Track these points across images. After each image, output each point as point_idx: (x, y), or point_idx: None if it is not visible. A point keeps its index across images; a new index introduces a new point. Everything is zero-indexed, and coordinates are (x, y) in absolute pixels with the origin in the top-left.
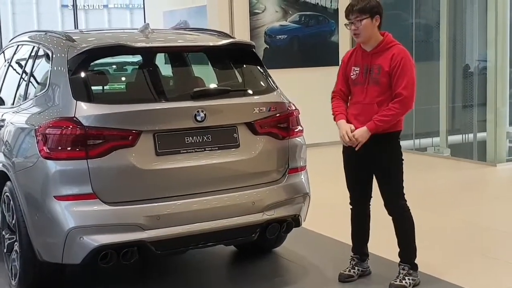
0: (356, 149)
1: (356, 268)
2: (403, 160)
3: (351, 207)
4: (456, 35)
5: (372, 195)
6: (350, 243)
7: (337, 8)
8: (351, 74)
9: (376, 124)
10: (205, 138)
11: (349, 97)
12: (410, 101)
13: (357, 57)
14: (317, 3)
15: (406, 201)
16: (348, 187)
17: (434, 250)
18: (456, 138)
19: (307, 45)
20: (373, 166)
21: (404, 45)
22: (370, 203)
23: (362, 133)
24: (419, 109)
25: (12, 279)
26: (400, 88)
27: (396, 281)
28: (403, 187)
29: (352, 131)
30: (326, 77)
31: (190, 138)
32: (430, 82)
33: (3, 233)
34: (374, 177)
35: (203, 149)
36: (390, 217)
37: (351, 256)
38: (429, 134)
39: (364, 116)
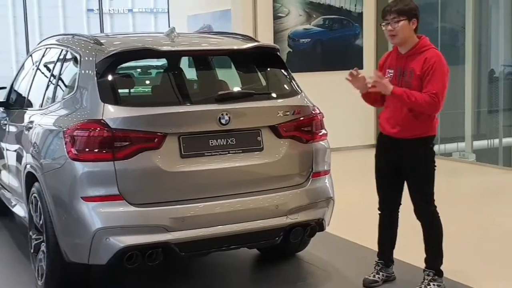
0: (369, 86)
1: (380, 273)
2: (435, 166)
3: (379, 212)
4: (481, 39)
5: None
6: (374, 248)
7: (362, 12)
8: (386, 76)
9: (401, 93)
10: (229, 141)
11: (381, 97)
12: (438, 105)
13: (392, 60)
14: (341, 7)
15: (436, 207)
16: (378, 191)
17: (459, 256)
18: (481, 144)
19: (330, 48)
20: (405, 170)
21: None
22: (399, 209)
23: (385, 83)
24: (444, 114)
25: (39, 279)
26: (432, 90)
27: (421, 287)
28: (433, 193)
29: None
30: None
31: (214, 141)
32: (455, 87)
33: (30, 233)
34: (405, 182)
35: (227, 152)
36: (417, 222)
37: (376, 261)
38: (454, 139)
39: (394, 119)
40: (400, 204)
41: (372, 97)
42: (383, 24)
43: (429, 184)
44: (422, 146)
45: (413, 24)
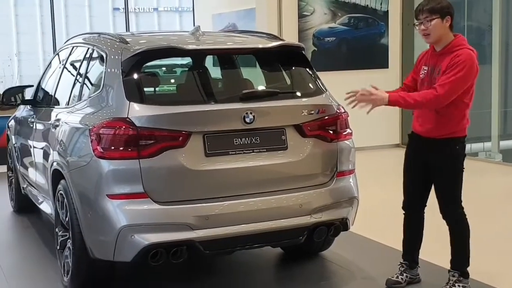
0: (367, 111)
1: (404, 274)
2: (463, 168)
3: (403, 211)
4: (508, 38)
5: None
6: (399, 248)
7: (387, 10)
8: (420, 73)
9: (396, 99)
10: (253, 139)
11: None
12: (439, 98)
13: (427, 57)
14: (367, 5)
15: (463, 208)
16: (404, 190)
17: (483, 256)
18: (508, 143)
19: (356, 47)
20: (432, 170)
21: None
22: (424, 210)
23: (379, 94)
24: (470, 113)
25: (65, 276)
26: (439, 82)
27: None
28: (460, 194)
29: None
30: (375, 80)
31: (239, 139)
32: (482, 86)
33: (57, 230)
34: (432, 184)
35: (251, 151)
36: (442, 223)
37: (400, 262)
38: (481, 139)
39: (423, 118)
40: (425, 205)
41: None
42: (416, 23)
43: (455, 185)
44: (449, 147)
45: (446, 22)
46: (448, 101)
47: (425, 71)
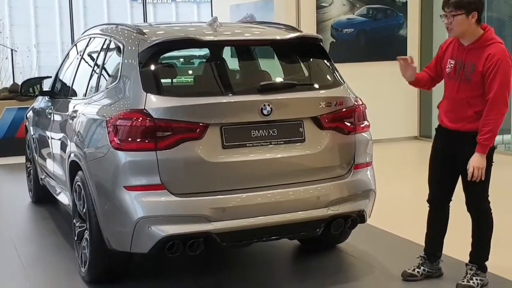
0: (482, 177)
1: (421, 268)
2: (493, 162)
3: (428, 205)
4: None
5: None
6: (416, 241)
7: (406, 1)
8: (447, 67)
9: (483, 144)
10: (271, 132)
11: (433, 83)
12: (503, 105)
13: (454, 50)
14: None
15: (489, 203)
16: (430, 184)
17: (502, 250)
18: None
19: (374, 39)
20: (461, 163)
21: None
22: (450, 205)
23: (478, 160)
24: None
25: (82, 267)
26: (492, 92)
27: (463, 281)
28: (487, 188)
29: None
30: (393, 72)
31: (256, 131)
32: None
33: (74, 221)
34: (459, 177)
35: (268, 143)
36: (465, 217)
37: (420, 255)
38: (500, 131)
39: (453, 113)
40: (451, 199)
41: (420, 82)
42: (442, 15)
43: (484, 180)
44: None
45: (472, 18)
46: (507, 103)
47: (452, 65)
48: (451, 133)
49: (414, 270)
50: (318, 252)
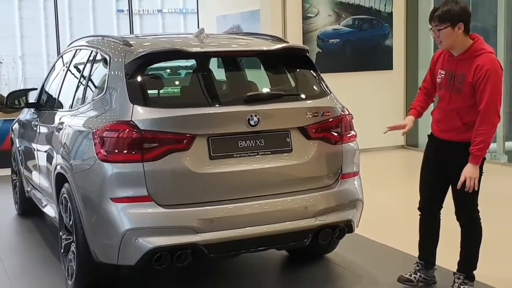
0: (476, 187)
1: (418, 274)
2: (483, 172)
3: (419, 212)
4: None
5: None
6: (404, 250)
7: (391, 12)
8: (438, 77)
9: (476, 155)
10: (258, 142)
11: (433, 95)
12: (494, 115)
13: (444, 60)
14: (371, 7)
15: (478, 212)
16: (421, 191)
17: (489, 259)
18: None
19: (360, 49)
20: (452, 172)
21: None
22: (441, 212)
23: (471, 170)
24: None
25: (69, 279)
26: (483, 104)
27: None
28: (477, 198)
29: (404, 129)
30: (379, 82)
31: (243, 142)
32: None
33: (61, 233)
34: (449, 185)
35: (256, 153)
36: (454, 226)
37: (416, 261)
38: None
39: (445, 124)
40: (442, 207)
41: (423, 110)
42: (429, 29)
43: (474, 189)
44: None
45: (459, 29)
46: (498, 113)
47: (442, 75)
48: (441, 143)
49: (411, 275)
50: (306, 262)
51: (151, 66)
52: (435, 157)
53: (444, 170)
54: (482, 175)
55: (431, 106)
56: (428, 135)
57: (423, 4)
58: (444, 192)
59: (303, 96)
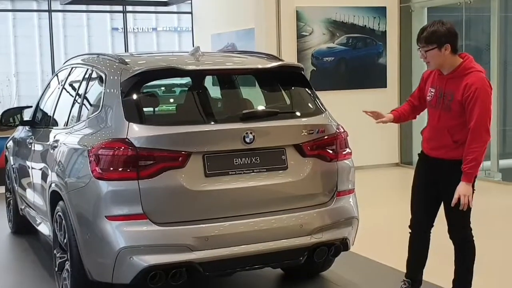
0: (470, 205)
1: None
2: (474, 190)
3: (410, 230)
4: (507, 57)
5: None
6: (399, 268)
7: (385, 30)
8: (428, 95)
9: (468, 173)
10: (254, 160)
11: (417, 111)
12: (484, 133)
13: (434, 78)
14: (365, 25)
15: (471, 230)
16: (412, 209)
17: (484, 276)
18: (507, 162)
19: (354, 67)
20: (443, 191)
21: None
22: (431, 231)
23: (464, 188)
24: None
25: None
26: (472, 122)
27: None
28: (469, 216)
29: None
30: (374, 99)
31: (239, 159)
32: None
33: (55, 252)
34: (441, 204)
35: (251, 171)
36: (446, 243)
37: (403, 279)
38: None
39: (435, 142)
40: (433, 225)
41: (401, 117)
42: (418, 49)
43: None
44: (461, 169)
45: (446, 50)
46: (488, 131)
47: (432, 93)
48: (432, 160)
49: None
50: (301, 281)
51: (146, 84)
52: (426, 175)
53: (435, 188)
54: (473, 192)
55: (422, 124)
56: (418, 154)
57: (416, 22)
58: (436, 210)
59: (298, 113)
